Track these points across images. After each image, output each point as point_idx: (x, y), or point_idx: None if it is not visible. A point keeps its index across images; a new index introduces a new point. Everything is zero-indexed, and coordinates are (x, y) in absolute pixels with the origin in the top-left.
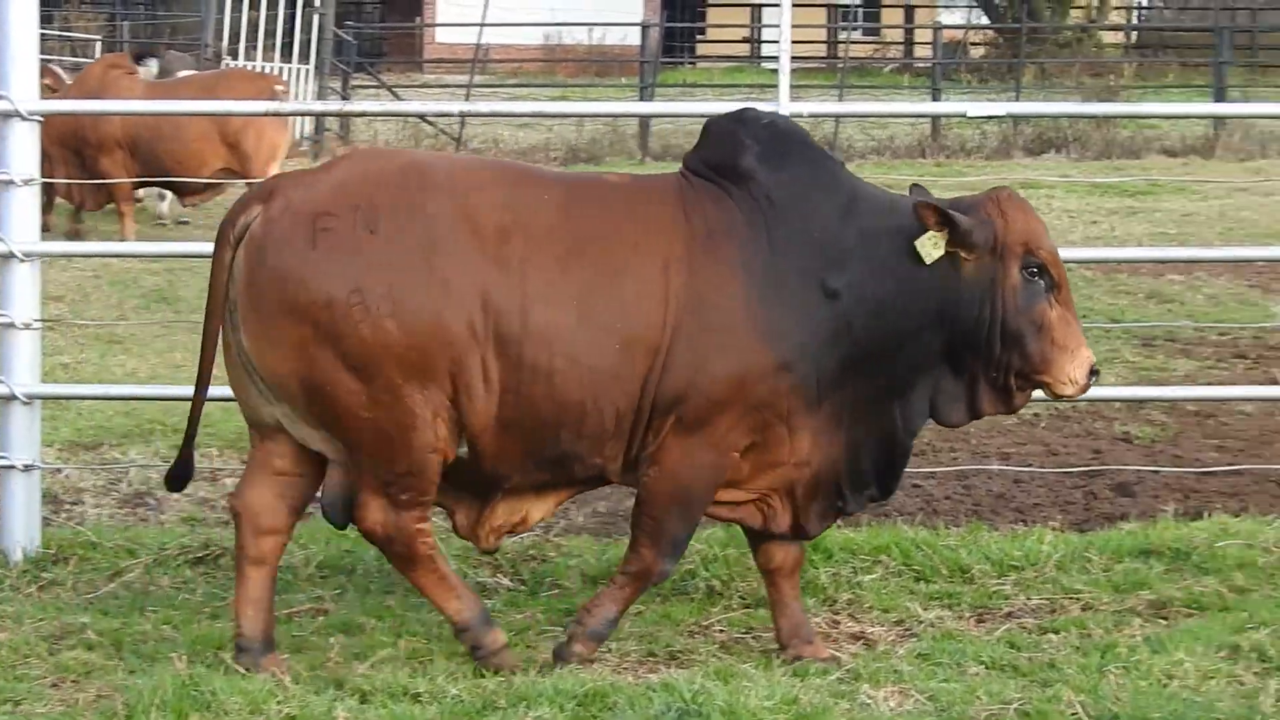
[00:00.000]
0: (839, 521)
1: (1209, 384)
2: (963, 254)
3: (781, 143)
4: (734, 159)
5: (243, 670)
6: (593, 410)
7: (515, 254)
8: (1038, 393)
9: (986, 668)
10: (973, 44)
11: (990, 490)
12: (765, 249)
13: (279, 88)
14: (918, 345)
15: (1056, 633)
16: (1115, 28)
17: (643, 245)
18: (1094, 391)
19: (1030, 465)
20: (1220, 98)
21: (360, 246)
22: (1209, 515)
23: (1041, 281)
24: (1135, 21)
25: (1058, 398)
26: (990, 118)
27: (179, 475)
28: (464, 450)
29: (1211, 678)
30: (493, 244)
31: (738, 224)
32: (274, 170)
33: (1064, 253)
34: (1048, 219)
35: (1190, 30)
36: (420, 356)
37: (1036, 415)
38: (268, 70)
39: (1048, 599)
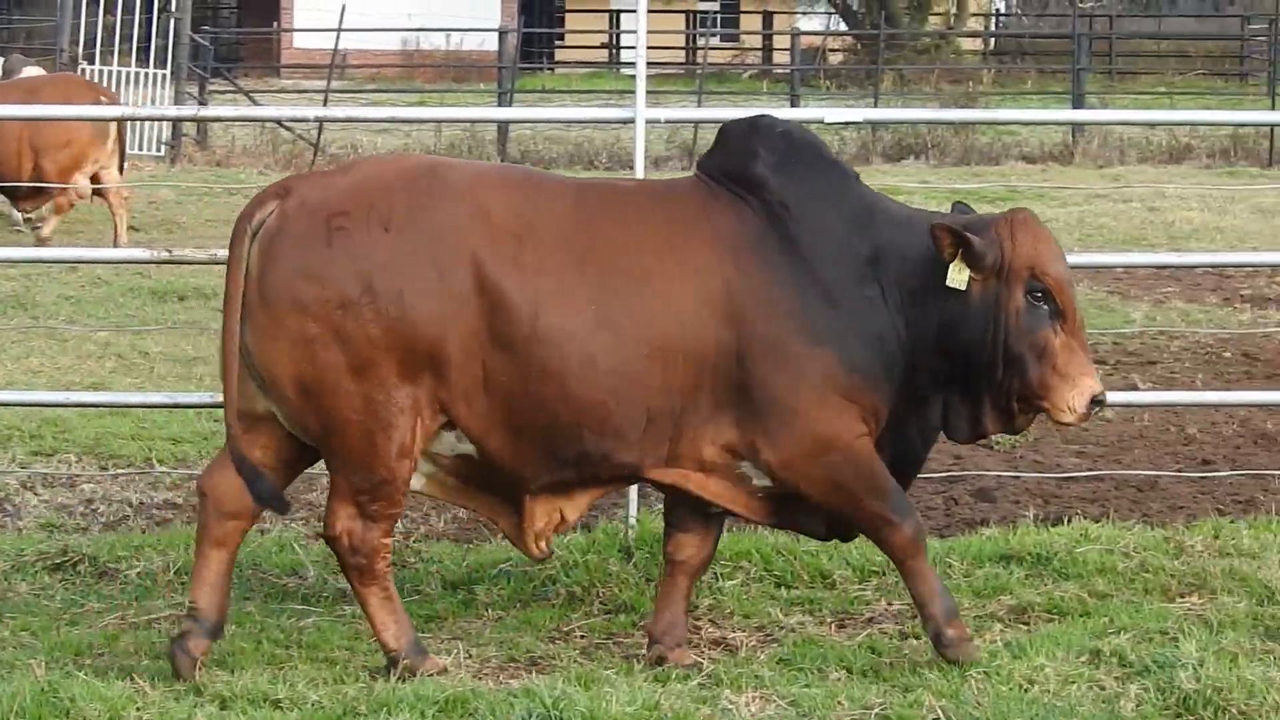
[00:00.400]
0: None
1: None
2: (971, 274)
3: (795, 152)
4: (747, 166)
5: (172, 638)
6: (617, 411)
7: (529, 258)
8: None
9: (848, 673)
10: (831, 50)
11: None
12: (793, 256)
13: (103, 98)
14: (932, 361)
15: (918, 638)
16: (973, 34)
17: (671, 250)
18: None
19: None
20: (1078, 105)
21: (374, 246)
22: (1069, 521)
23: (1045, 307)
24: (993, 28)
25: (1057, 424)
26: (848, 124)
27: (264, 491)
28: (469, 449)
29: (1072, 682)
30: (505, 248)
31: (760, 231)
32: (80, 179)
33: None
34: None
35: (1048, 37)
36: (423, 358)
37: None
38: (124, 74)
39: (909, 604)
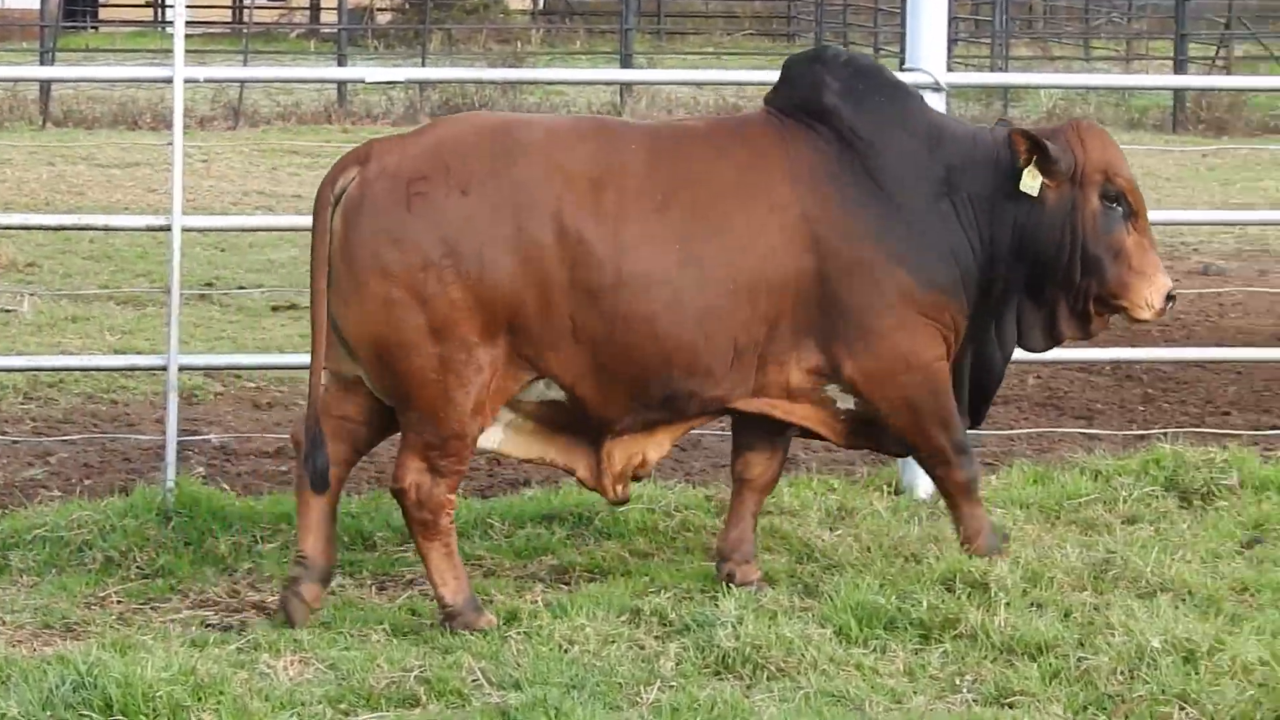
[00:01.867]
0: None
1: None
2: (1046, 181)
3: (861, 78)
4: (816, 97)
5: (289, 586)
6: (705, 349)
7: (608, 206)
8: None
9: (388, 635)
10: (379, 10)
11: (392, 458)
12: (866, 180)
13: None
14: (1009, 271)
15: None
16: None
17: (749, 186)
18: None
19: None
20: (626, 65)
21: (454, 208)
22: None
23: (1119, 209)
24: None
25: (1135, 322)
26: (391, 83)
27: (318, 462)
28: (560, 395)
29: (613, 642)
30: (585, 198)
31: (834, 158)
32: None
33: None
34: None
35: None
36: (506, 316)
37: None
38: None
39: None
